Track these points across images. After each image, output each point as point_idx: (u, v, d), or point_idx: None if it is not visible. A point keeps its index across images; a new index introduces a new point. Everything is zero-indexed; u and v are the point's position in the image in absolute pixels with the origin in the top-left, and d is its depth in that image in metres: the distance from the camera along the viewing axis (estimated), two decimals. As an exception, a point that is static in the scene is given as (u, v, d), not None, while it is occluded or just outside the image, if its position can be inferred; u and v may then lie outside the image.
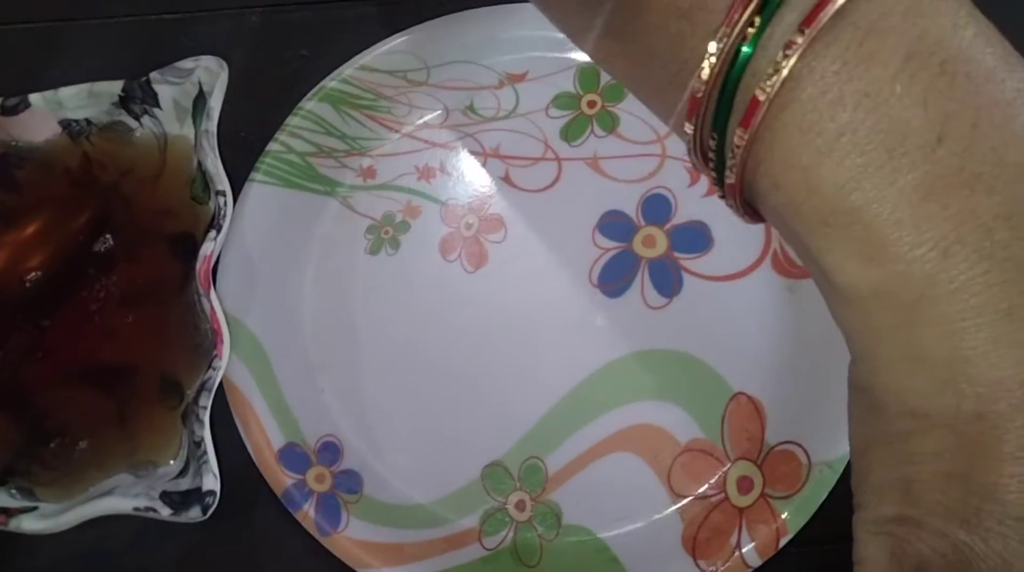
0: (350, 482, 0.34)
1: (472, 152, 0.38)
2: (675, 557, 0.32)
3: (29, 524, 0.28)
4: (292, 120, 0.37)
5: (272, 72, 0.39)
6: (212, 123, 0.32)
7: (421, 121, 0.39)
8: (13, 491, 0.30)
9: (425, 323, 0.36)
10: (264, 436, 0.33)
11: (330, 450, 0.34)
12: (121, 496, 0.28)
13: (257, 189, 0.36)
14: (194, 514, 0.27)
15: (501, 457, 0.34)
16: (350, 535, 0.32)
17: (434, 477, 0.34)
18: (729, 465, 0.33)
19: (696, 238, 0.36)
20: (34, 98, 0.33)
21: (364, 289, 0.37)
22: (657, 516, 0.33)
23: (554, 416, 0.35)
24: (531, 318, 0.36)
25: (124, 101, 0.34)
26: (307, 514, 0.32)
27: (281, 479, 0.33)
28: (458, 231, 0.37)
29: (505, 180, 0.38)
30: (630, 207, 0.37)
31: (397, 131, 0.38)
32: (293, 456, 0.33)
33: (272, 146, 0.37)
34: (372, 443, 0.34)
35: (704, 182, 0.37)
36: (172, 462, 0.30)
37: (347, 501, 0.33)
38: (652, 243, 0.36)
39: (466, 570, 0.32)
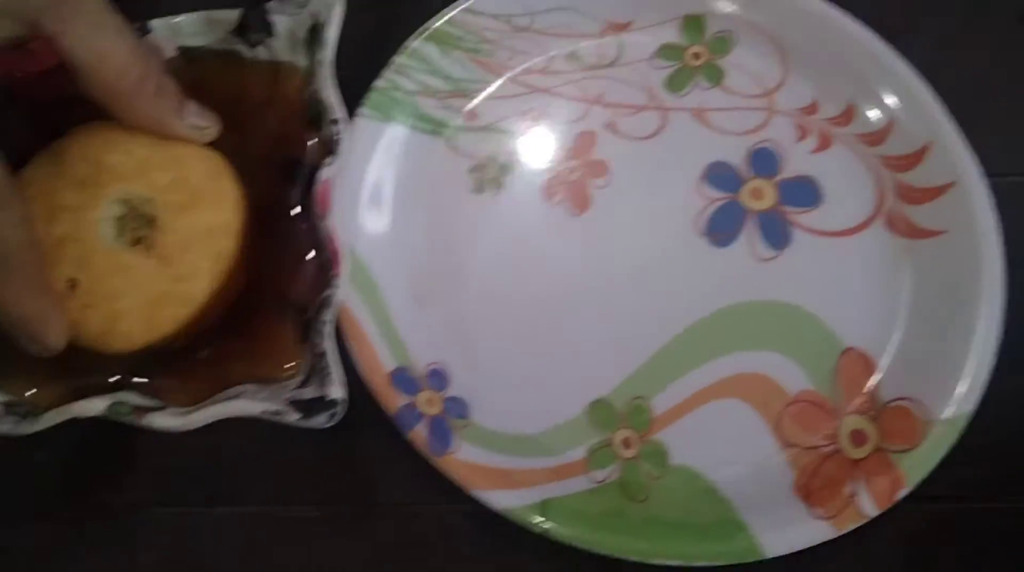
0: (458, 408, 0.34)
1: (574, 99, 0.38)
2: (787, 502, 0.31)
3: (161, 421, 0.28)
4: (398, 58, 0.37)
5: (373, 13, 0.39)
6: (329, 53, 0.32)
7: (523, 66, 0.38)
8: (141, 392, 0.30)
9: (529, 262, 0.36)
10: (375, 359, 0.33)
11: (437, 377, 0.34)
12: (249, 399, 0.28)
13: (363, 123, 0.36)
14: (321, 420, 0.27)
15: (607, 395, 0.34)
16: (460, 457, 0.32)
17: (539, 410, 0.34)
18: (841, 418, 0.33)
19: (806, 192, 0.36)
20: (154, 24, 0.33)
21: (468, 226, 0.36)
22: (765, 462, 0.33)
23: (660, 359, 0.34)
24: (636, 262, 0.35)
25: (240, 30, 0.34)
26: (419, 434, 0.32)
27: (393, 400, 0.32)
28: (562, 175, 0.37)
29: (608, 127, 0.38)
30: (737, 159, 0.36)
31: (500, 75, 0.38)
32: (403, 379, 0.34)
33: (379, 82, 0.37)
34: (477, 374, 0.34)
35: (813, 138, 0.37)
36: (292, 375, 0.29)
37: (456, 425, 0.33)
38: (760, 195, 0.36)
39: (574, 500, 0.32)
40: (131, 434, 0.33)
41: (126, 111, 0.28)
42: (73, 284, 0.29)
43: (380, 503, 0.34)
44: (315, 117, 0.33)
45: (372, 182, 0.36)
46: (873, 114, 0.35)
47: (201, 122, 0.30)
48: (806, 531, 0.31)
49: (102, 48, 0.27)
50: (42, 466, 0.35)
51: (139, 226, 0.30)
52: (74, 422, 0.29)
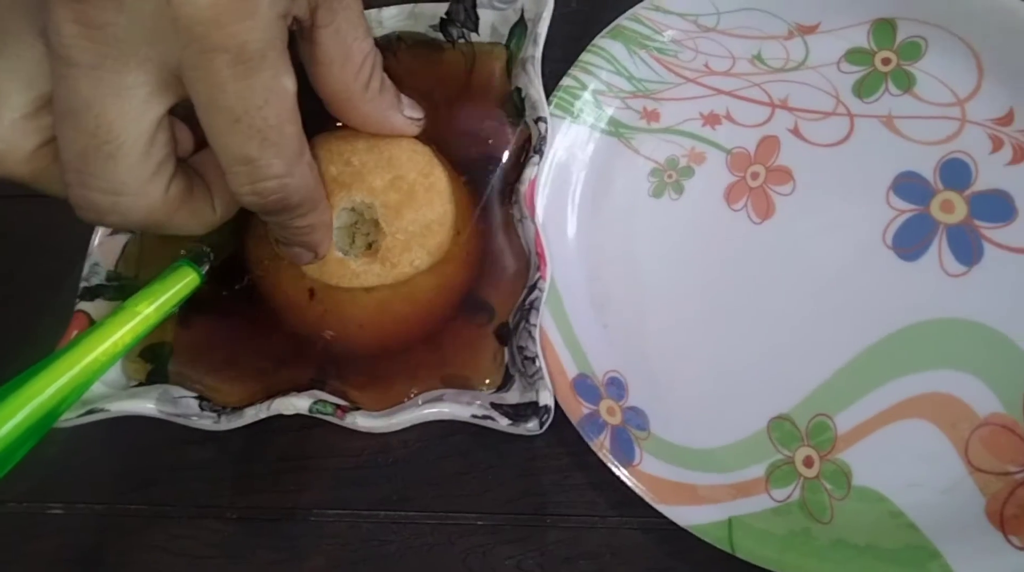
0: (638, 419, 0.33)
1: (759, 102, 0.37)
2: (981, 530, 0.31)
3: (364, 421, 0.28)
4: (585, 56, 0.37)
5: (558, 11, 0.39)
6: (538, 50, 0.32)
7: (707, 67, 0.38)
8: (333, 392, 0.30)
9: (709, 270, 0.35)
10: (559, 365, 0.33)
11: (616, 385, 0.34)
12: (454, 403, 0.28)
13: (550, 122, 0.36)
14: (532, 426, 0.27)
15: (788, 411, 0.33)
16: (645, 469, 0.32)
17: (717, 424, 0.34)
18: (1034, 443, 0.32)
19: (999, 207, 0.34)
20: (360, 14, 0.34)
21: (646, 231, 0.36)
22: (954, 487, 0.32)
23: (843, 376, 0.33)
24: (821, 273, 0.35)
25: (444, 23, 0.34)
26: (603, 444, 0.32)
27: (577, 407, 0.32)
28: (744, 180, 0.36)
29: (793, 132, 0.37)
30: (927, 170, 0.35)
31: (684, 76, 0.38)
32: (585, 387, 0.33)
33: (565, 81, 0.36)
34: (654, 383, 0.34)
35: (1008, 149, 0.35)
36: (488, 379, 0.30)
37: (638, 437, 0.33)
38: (950, 209, 0.35)
39: (759, 519, 0.32)
40: (298, 436, 0.34)
41: (354, 108, 0.29)
42: (311, 293, 0.30)
43: (550, 513, 0.34)
44: (514, 114, 0.33)
45: (551, 182, 0.36)
46: (1072, 126, 0.34)
47: (416, 114, 0.31)
48: (1004, 560, 0.30)
49: (351, 46, 0.27)
50: (210, 465, 0.36)
51: (369, 232, 0.31)
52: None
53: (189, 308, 0.33)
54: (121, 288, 0.33)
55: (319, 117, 0.30)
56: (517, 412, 0.28)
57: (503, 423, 0.27)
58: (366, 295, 0.31)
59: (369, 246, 0.31)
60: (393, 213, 0.31)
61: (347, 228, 0.31)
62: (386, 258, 0.30)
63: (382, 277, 0.30)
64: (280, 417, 0.30)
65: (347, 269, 0.30)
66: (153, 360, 0.32)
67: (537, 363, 0.28)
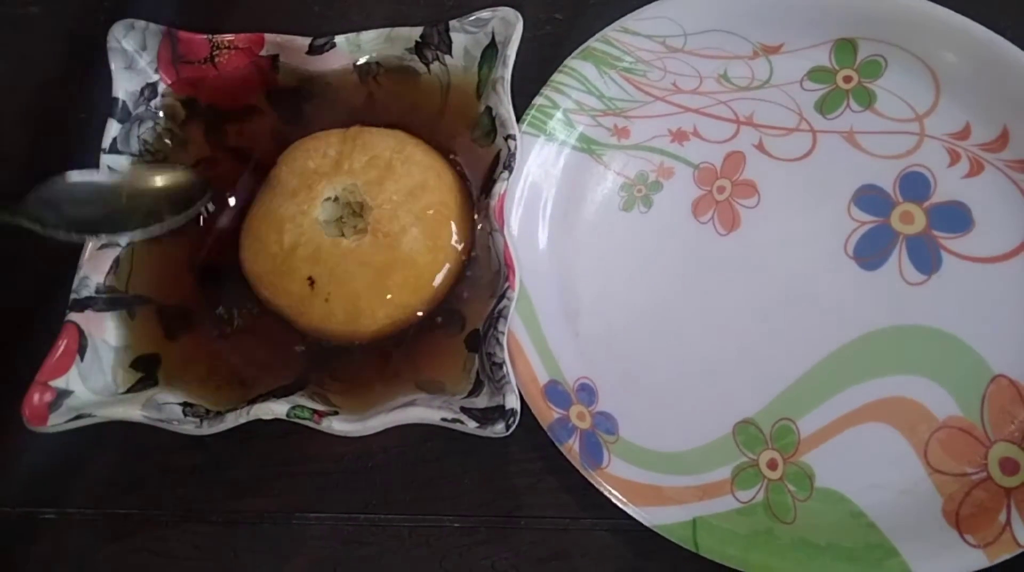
0: (607, 423, 0.35)
1: (725, 119, 0.39)
2: (938, 529, 0.32)
3: (339, 425, 0.30)
4: (557, 76, 0.38)
5: (525, 34, 0.40)
6: (507, 71, 0.33)
7: (675, 86, 0.39)
8: (312, 396, 0.32)
9: (678, 280, 0.37)
10: (531, 372, 0.34)
11: (586, 391, 0.35)
12: (426, 407, 0.29)
13: (522, 140, 0.37)
14: (499, 429, 0.29)
15: (753, 416, 0.35)
16: (613, 472, 0.33)
17: (685, 429, 0.35)
18: (990, 445, 0.33)
19: (956, 218, 0.36)
20: (339, 40, 0.35)
21: (617, 243, 0.38)
22: (913, 488, 0.33)
23: (807, 381, 0.35)
24: (785, 283, 0.36)
25: (419, 47, 0.35)
26: (572, 448, 0.33)
27: (548, 412, 0.34)
28: (711, 194, 0.38)
29: (758, 148, 0.38)
30: (887, 182, 0.37)
31: (652, 95, 0.39)
32: (556, 393, 0.35)
33: (538, 100, 0.38)
34: (624, 389, 0.35)
35: (964, 163, 0.36)
36: (460, 383, 0.31)
37: (607, 441, 0.34)
38: (910, 219, 0.36)
39: (723, 519, 0.33)
40: (282, 442, 0.36)
41: None
42: (312, 281, 0.32)
43: (524, 516, 0.35)
44: (485, 132, 0.35)
45: (523, 197, 0.38)
46: (1027, 140, 0.35)
47: None
48: (959, 558, 0.31)
49: None
50: (197, 470, 0.37)
51: (354, 213, 0.32)
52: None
53: (178, 322, 0.35)
54: (112, 300, 0.34)
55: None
56: (485, 415, 0.29)
57: (471, 426, 0.29)
58: (366, 269, 0.32)
59: (360, 228, 0.33)
60: (376, 187, 0.33)
61: (335, 222, 0.33)
62: (377, 229, 0.32)
63: (378, 246, 0.32)
64: (264, 423, 0.32)
65: (341, 248, 0.32)
66: (143, 369, 0.34)
67: (504, 369, 0.30)
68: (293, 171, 0.33)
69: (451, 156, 0.35)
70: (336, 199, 0.32)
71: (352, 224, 0.32)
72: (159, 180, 0.33)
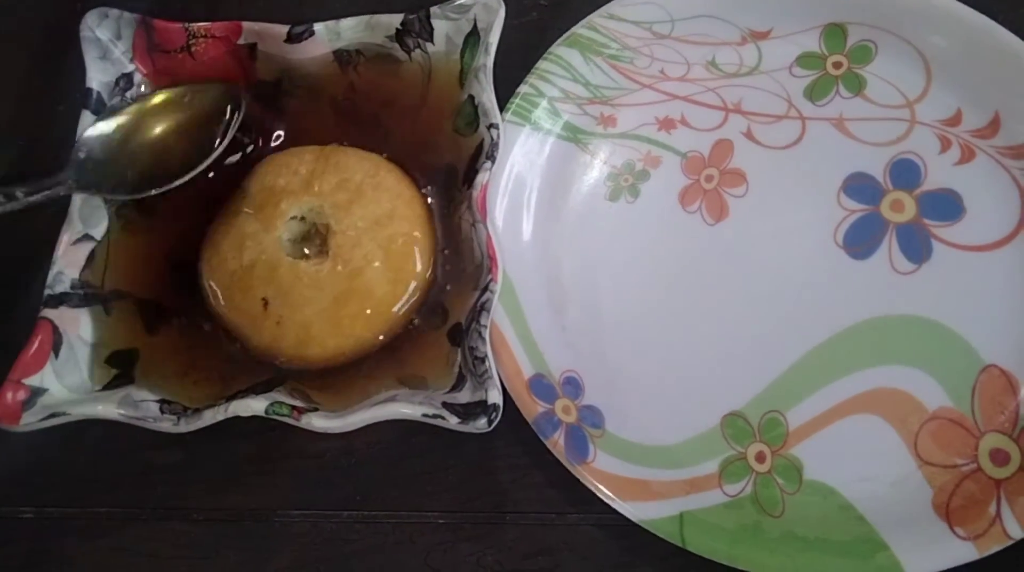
0: (593, 417, 0.34)
1: (713, 106, 0.38)
2: (928, 522, 0.31)
3: (319, 422, 0.29)
4: (542, 64, 0.38)
5: (510, 20, 0.40)
6: (489, 59, 0.33)
7: (662, 73, 0.39)
8: (292, 392, 0.31)
9: (665, 271, 0.36)
10: (516, 365, 0.34)
11: (572, 384, 0.35)
12: (406, 403, 0.29)
13: (507, 129, 0.37)
14: (481, 424, 0.28)
15: (741, 408, 0.34)
16: (599, 466, 0.32)
17: (672, 422, 0.34)
18: (980, 437, 0.32)
19: (947, 206, 0.35)
20: (318, 27, 0.35)
21: (603, 234, 0.37)
22: (903, 480, 0.33)
23: (795, 373, 0.34)
24: (774, 273, 0.35)
25: (400, 34, 0.35)
26: (557, 442, 0.33)
27: (532, 406, 0.33)
28: (698, 183, 0.37)
29: (747, 136, 0.37)
30: (877, 170, 0.36)
31: (639, 82, 0.39)
32: (541, 386, 0.34)
33: (523, 88, 0.37)
34: (610, 382, 0.35)
35: (956, 149, 0.36)
36: (442, 378, 0.30)
37: (593, 435, 0.34)
38: (900, 208, 0.35)
39: (711, 513, 0.32)
40: (263, 438, 0.35)
41: None
42: (266, 302, 0.31)
43: (509, 511, 0.34)
44: (468, 121, 0.34)
45: (509, 187, 0.37)
46: (1019, 127, 0.34)
47: None
48: (949, 551, 0.30)
49: None
50: (177, 467, 0.36)
51: (317, 235, 0.31)
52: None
53: (156, 316, 0.34)
54: (87, 295, 0.33)
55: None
56: (467, 411, 0.28)
57: (453, 421, 0.28)
58: (321, 296, 0.31)
59: (321, 250, 0.32)
60: (343, 212, 0.32)
61: (299, 242, 0.32)
62: (338, 254, 0.31)
63: (336, 274, 0.31)
64: (243, 420, 0.31)
65: (299, 271, 0.31)
66: (119, 365, 0.33)
67: (487, 363, 0.29)
68: (263, 186, 0.33)
69: (423, 189, 0.34)
70: (303, 218, 0.32)
71: (316, 245, 0.32)
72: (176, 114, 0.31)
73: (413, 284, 0.32)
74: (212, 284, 0.33)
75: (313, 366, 0.32)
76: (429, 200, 0.34)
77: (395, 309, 0.32)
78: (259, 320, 0.31)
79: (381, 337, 0.33)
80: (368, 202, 0.31)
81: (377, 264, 0.31)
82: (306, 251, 0.32)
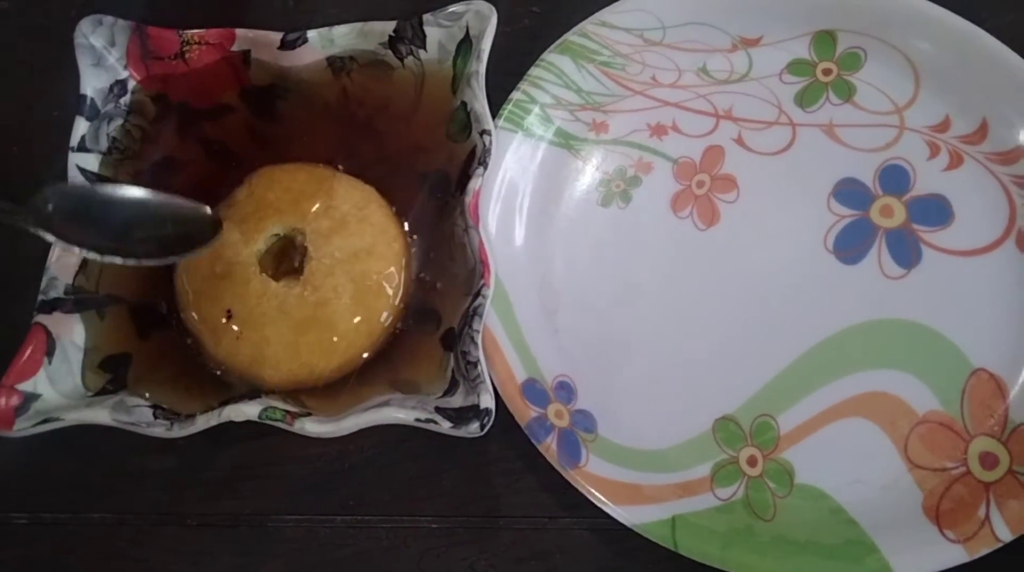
0: (586, 421, 0.34)
1: (704, 113, 0.38)
2: (918, 524, 0.32)
3: (312, 426, 0.29)
4: (535, 70, 0.38)
5: (502, 27, 0.40)
6: (482, 65, 0.33)
7: (654, 80, 0.39)
8: (285, 397, 0.31)
9: (657, 276, 0.36)
10: (508, 370, 0.34)
11: (565, 389, 0.35)
12: (399, 407, 0.29)
13: (499, 135, 0.37)
14: (473, 429, 0.28)
15: (732, 412, 0.34)
16: (591, 470, 0.33)
17: (664, 426, 0.35)
18: (970, 440, 0.33)
19: (936, 211, 0.35)
20: (311, 34, 0.35)
21: (595, 239, 0.37)
22: (893, 483, 0.33)
23: (786, 377, 0.34)
24: (764, 278, 0.36)
25: (393, 41, 0.35)
26: (550, 446, 0.33)
27: (525, 411, 0.33)
28: (690, 189, 0.37)
29: (737, 142, 0.38)
30: (866, 176, 0.36)
31: (630, 88, 0.39)
32: (534, 391, 0.34)
33: (515, 95, 0.38)
34: (603, 387, 0.35)
35: (944, 155, 0.36)
36: (435, 383, 0.31)
37: (585, 439, 0.34)
38: (890, 213, 0.36)
39: (702, 517, 0.32)
40: (257, 444, 0.35)
41: None
42: (229, 314, 0.31)
43: (502, 516, 0.34)
44: (460, 128, 0.34)
45: (500, 194, 0.37)
46: (1007, 133, 0.35)
47: None
48: (938, 554, 0.31)
49: None
50: (171, 473, 0.36)
51: (296, 254, 0.32)
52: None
53: (149, 321, 0.34)
54: (80, 301, 0.34)
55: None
56: (460, 415, 0.28)
57: (445, 426, 0.28)
58: (284, 319, 0.31)
59: (293, 270, 0.32)
60: (323, 239, 0.32)
61: (274, 256, 0.32)
62: (308, 281, 0.31)
63: (303, 299, 0.31)
64: (237, 425, 0.31)
65: (268, 289, 0.31)
66: (112, 370, 0.33)
67: (479, 368, 0.29)
68: (252, 197, 0.33)
69: (405, 225, 0.34)
70: (284, 236, 0.32)
71: (293, 264, 0.32)
72: (170, 212, 0.31)
73: (376, 325, 0.32)
74: (184, 287, 0.33)
75: (265, 388, 0.31)
76: (411, 238, 0.34)
77: (353, 347, 0.32)
78: (219, 330, 0.31)
79: (335, 368, 0.32)
80: (350, 234, 0.32)
81: (345, 299, 0.31)
82: (282, 265, 0.31)
